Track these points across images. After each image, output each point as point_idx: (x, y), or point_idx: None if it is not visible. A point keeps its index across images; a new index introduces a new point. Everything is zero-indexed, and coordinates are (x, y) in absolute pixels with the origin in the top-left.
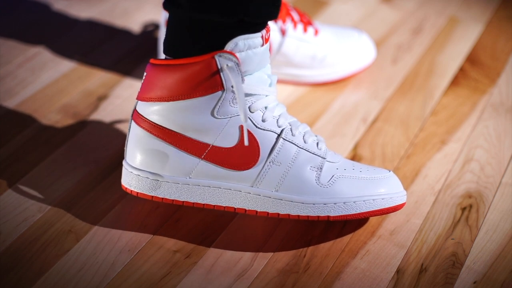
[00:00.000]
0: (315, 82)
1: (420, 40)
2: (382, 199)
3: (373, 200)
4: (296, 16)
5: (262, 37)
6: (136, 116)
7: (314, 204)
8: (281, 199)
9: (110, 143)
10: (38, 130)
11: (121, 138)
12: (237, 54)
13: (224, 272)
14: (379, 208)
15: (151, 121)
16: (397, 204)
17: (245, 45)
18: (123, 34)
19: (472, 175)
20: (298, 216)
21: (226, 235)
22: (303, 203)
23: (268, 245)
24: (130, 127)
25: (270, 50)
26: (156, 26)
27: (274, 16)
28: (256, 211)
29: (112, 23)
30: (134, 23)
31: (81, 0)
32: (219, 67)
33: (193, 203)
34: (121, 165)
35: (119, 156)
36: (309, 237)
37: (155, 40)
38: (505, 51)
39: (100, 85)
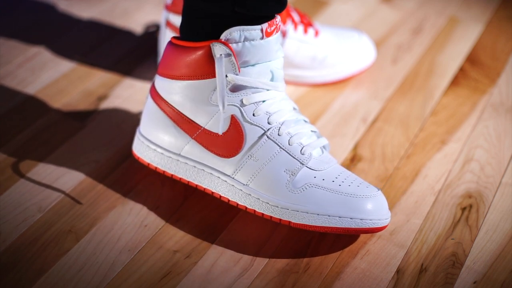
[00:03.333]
0: (315, 82)
1: (420, 40)
2: (351, 218)
3: (339, 217)
4: (296, 17)
5: (261, 30)
6: (152, 87)
7: (277, 206)
8: (250, 194)
9: (110, 143)
10: (38, 130)
11: (121, 138)
12: (233, 45)
13: (224, 272)
14: (344, 227)
15: (159, 94)
16: (367, 227)
17: (241, 36)
18: (123, 34)
19: (472, 175)
20: (263, 214)
21: (226, 235)
22: (268, 203)
23: (268, 245)
24: (147, 97)
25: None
26: (156, 27)
27: (274, 11)
28: (229, 199)
29: (112, 23)
30: (134, 23)
31: (81, 0)
32: (214, 55)
33: (180, 178)
34: (121, 165)
35: (119, 156)
36: (309, 237)
37: (155, 40)
38: (505, 51)
39: (100, 85)
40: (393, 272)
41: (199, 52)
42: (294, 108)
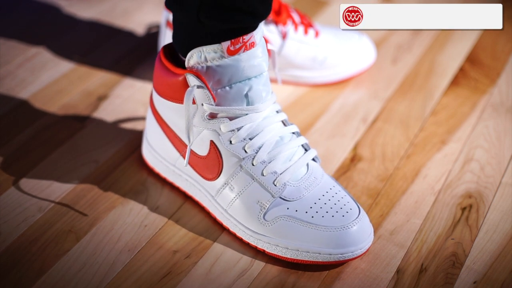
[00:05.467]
0: (315, 83)
1: (420, 40)
2: (319, 253)
3: (307, 252)
4: (297, 18)
5: (221, 49)
6: (150, 98)
7: (252, 236)
8: (229, 219)
9: (110, 143)
10: (38, 130)
11: (121, 138)
12: (199, 67)
13: (224, 272)
14: (312, 260)
15: (154, 106)
16: (337, 260)
17: (202, 57)
18: (123, 34)
19: (472, 175)
20: (242, 238)
21: (226, 235)
22: (244, 231)
23: None
24: (149, 104)
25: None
26: (156, 27)
27: (244, 23)
28: (215, 217)
29: (112, 23)
30: (134, 23)
31: (81, 0)
32: (189, 85)
33: (178, 186)
34: (121, 165)
35: (119, 156)
36: None
37: (155, 40)
38: (505, 51)
39: (100, 85)
40: (393, 272)
41: (179, 78)
42: (282, 121)
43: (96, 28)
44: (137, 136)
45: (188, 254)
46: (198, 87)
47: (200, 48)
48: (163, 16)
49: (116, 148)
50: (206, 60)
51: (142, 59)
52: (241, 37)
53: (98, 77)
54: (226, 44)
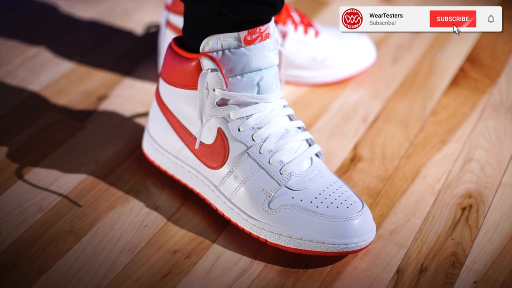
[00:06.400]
0: (315, 83)
1: (420, 40)
2: (323, 243)
3: (310, 241)
4: (297, 18)
5: (238, 38)
6: (156, 88)
7: (255, 225)
8: (232, 209)
9: (110, 143)
10: (38, 130)
11: (121, 138)
12: (214, 54)
13: (224, 272)
14: (316, 250)
15: (161, 97)
16: (341, 251)
17: (218, 44)
18: (123, 34)
19: (472, 175)
20: (243, 228)
21: (226, 235)
22: (246, 220)
23: (268, 245)
24: (154, 96)
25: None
26: (156, 27)
27: (265, 14)
28: (217, 208)
29: (112, 23)
30: (134, 23)
31: (81, 0)
32: (203, 69)
33: (179, 179)
34: (121, 165)
35: (119, 156)
36: None
37: (155, 40)
38: (505, 51)
39: (100, 85)
40: (393, 272)
41: (192, 64)
42: (288, 115)
43: (96, 28)
44: (137, 136)
45: (188, 254)
46: (212, 70)
47: (217, 36)
48: (163, 16)
49: (116, 148)
50: (222, 47)
51: (142, 59)
52: (258, 28)
53: (98, 77)
54: (243, 33)
